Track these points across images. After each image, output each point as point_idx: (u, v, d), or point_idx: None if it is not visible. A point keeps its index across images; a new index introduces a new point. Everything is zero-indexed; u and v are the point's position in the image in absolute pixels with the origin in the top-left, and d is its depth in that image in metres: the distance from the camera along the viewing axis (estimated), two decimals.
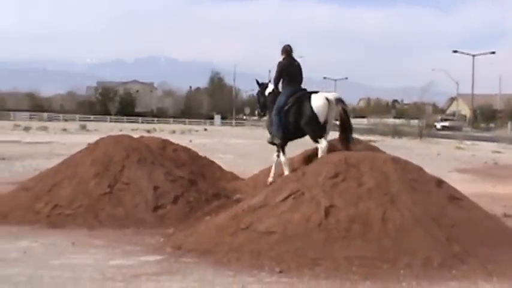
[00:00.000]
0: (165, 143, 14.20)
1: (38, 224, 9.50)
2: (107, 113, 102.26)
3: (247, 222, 8.03)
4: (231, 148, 28.23)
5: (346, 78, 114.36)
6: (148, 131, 44.82)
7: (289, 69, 11.77)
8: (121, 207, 9.92)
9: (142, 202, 10.02)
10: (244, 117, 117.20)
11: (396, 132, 53.09)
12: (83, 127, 55.86)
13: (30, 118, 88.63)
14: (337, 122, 11.60)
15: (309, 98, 11.28)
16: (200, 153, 14.82)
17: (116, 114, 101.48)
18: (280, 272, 6.99)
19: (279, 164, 11.88)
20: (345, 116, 11.30)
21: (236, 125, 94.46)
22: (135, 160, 10.73)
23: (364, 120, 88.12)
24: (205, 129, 66.01)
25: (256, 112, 12.88)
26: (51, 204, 9.98)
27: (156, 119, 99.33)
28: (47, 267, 7.14)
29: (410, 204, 7.96)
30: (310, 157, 11.64)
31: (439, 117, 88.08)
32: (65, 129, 50.57)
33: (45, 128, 51.40)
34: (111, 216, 9.74)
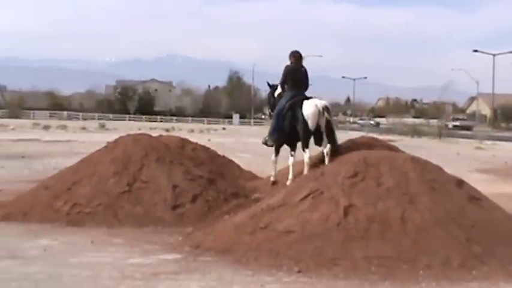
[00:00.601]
0: (184, 142, 14.20)
1: (57, 222, 9.55)
2: (125, 111, 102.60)
3: (266, 222, 8.03)
4: (249, 147, 28.20)
5: (365, 77, 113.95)
6: (167, 130, 44.95)
7: (294, 74, 12.01)
8: (140, 205, 9.94)
9: (161, 201, 10.04)
10: (263, 116, 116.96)
11: (415, 132, 52.90)
12: (102, 126, 56.08)
13: (49, 117, 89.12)
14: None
15: (301, 104, 11.53)
16: (219, 152, 14.82)
17: (134, 113, 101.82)
18: (299, 271, 6.98)
19: (295, 164, 11.95)
20: (328, 125, 11.57)
21: (255, 124, 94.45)
22: (154, 159, 10.75)
23: (383, 120, 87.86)
24: (224, 129, 66.06)
25: (267, 113, 13.37)
26: (71, 202, 10.03)
27: (174, 117, 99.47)
28: (67, 265, 7.18)
29: (430, 204, 7.91)
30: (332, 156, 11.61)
31: (451, 117, 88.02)
32: (84, 128, 50.82)
33: (64, 127, 51.66)
34: (130, 215, 9.77)
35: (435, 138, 47.73)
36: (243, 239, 7.88)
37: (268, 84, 13.09)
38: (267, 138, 12.25)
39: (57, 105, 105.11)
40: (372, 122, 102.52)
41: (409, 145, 29.39)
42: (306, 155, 11.49)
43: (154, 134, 13.42)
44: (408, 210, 7.77)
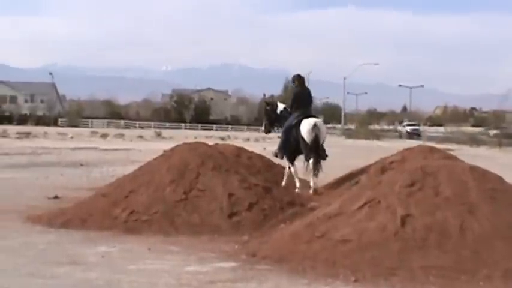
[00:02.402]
0: (240, 151, 14.29)
1: (115, 230, 9.66)
2: (181, 120, 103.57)
3: (322, 231, 7.98)
4: None
5: (422, 85, 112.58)
6: (223, 139, 45.19)
7: (301, 97, 13.65)
8: (196, 213, 9.99)
9: (218, 209, 10.07)
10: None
11: (474, 141, 52.04)
12: (159, 134, 56.66)
13: (107, 125, 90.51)
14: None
15: (300, 123, 13.10)
16: (274, 161, 14.82)
17: (190, 122, 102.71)
18: (356, 281, 6.92)
19: (290, 175, 13.57)
20: (315, 141, 13.04)
21: None
22: (210, 167, 10.80)
23: (441, 129, 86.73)
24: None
25: (263, 127, 14.76)
26: (128, 210, 10.13)
27: (230, 126, 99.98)
28: (124, 272, 7.26)
29: (490, 214, 7.75)
30: (385, 167, 11.58)
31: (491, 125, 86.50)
32: (141, 137, 51.43)
33: (121, 135, 52.37)
34: (187, 223, 9.82)
35: (495, 148, 46.85)
36: (299, 247, 7.86)
37: (266, 102, 14.91)
38: (277, 152, 13.81)
39: (114, 113, 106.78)
40: (408, 128, 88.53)
41: (468, 154, 28.92)
42: (307, 166, 13.07)
43: (210, 142, 13.50)
44: (467, 220, 7.63)
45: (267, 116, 14.28)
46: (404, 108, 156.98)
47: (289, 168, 13.56)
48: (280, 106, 14.03)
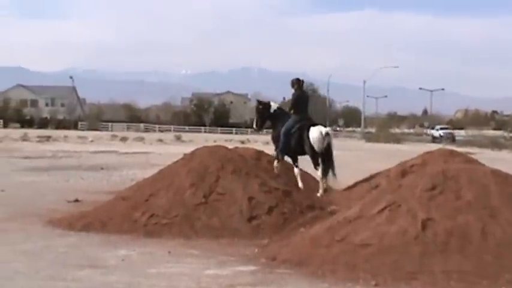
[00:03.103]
0: (260, 154, 14.28)
1: (135, 233, 9.70)
2: (201, 124, 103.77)
3: (343, 234, 7.95)
4: None
5: (443, 89, 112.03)
6: (242, 142, 45.21)
7: (301, 100, 14.12)
8: (216, 217, 10.00)
9: (237, 213, 10.07)
10: (338, 128, 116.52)
11: (496, 145, 51.64)
12: (178, 138, 56.82)
13: (127, 129, 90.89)
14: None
15: (308, 129, 13.44)
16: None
17: (210, 125, 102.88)
18: (376, 285, 6.88)
19: (303, 174, 13.91)
20: (328, 150, 13.48)
21: None
22: (230, 171, 10.80)
23: (462, 132, 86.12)
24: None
25: (254, 125, 15.06)
26: (148, 213, 10.16)
27: (249, 129, 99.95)
28: (145, 276, 7.27)
29: None
30: (406, 170, 11.53)
31: (508, 129, 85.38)
32: (160, 140, 51.61)
33: (141, 139, 52.55)
34: (207, 226, 9.83)
35: None
36: (319, 251, 7.83)
37: (260, 102, 14.86)
38: (277, 154, 13.89)
39: (134, 117, 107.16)
40: (442, 132, 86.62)
41: (490, 158, 28.68)
42: (318, 172, 13.37)
43: (230, 146, 13.51)
44: (489, 224, 7.57)
45: (259, 114, 14.52)
46: (425, 112, 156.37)
47: (297, 167, 13.89)
48: (274, 105, 14.45)
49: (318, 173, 13.37)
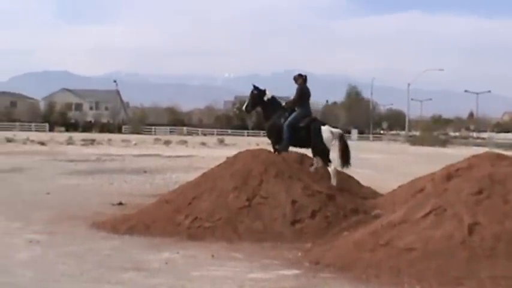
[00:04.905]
0: (303, 158, 14.21)
1: (178, 236, 9.74)
2: (244, 127, 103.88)
3: (387, 238, 7.87)
4: (368, 163, 27.82)
5: (489, 91, 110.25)
6: None
7: (306, 93, 14.29)
8: (259, 220, 9.98)
9: (280, 216, 10.04)
10: (382, 131, 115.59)
11: None
12: (221, 141, 56.92)
13: (170, 132, 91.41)
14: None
15: (319, 128, 13.68)
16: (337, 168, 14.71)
17: (252, 129, 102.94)
18: None
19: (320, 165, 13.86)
20: (345, 147, 13.81)
21: (373, 140, 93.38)
22: (273, 174, 10.77)
23: (509, 135, 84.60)
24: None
25: (244, 107, 15.34)
26: (191, 216, 10.19)
27: None
28: (188, 279, 7.29)
29: None
30: (452, 174, 11.37)
31: None
32: (203, 143, 51.77)
33: (184, 142, 52.80)
34: (250, 230, 9.82)
35: None
36: (363, 255, 7.77)
37: (256, 88, 14.73)
38: (281, 148, 13.82)
39: (177, 120, 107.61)
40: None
41: None
42: (330, 168, 13.40)
43: (273, 149, 13.49)
44: None
45: (252, 100, 14.75)
46: (471, 115, 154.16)
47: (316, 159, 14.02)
48: (269, 94, 14.61)
49: (329, 169, 13.45)
